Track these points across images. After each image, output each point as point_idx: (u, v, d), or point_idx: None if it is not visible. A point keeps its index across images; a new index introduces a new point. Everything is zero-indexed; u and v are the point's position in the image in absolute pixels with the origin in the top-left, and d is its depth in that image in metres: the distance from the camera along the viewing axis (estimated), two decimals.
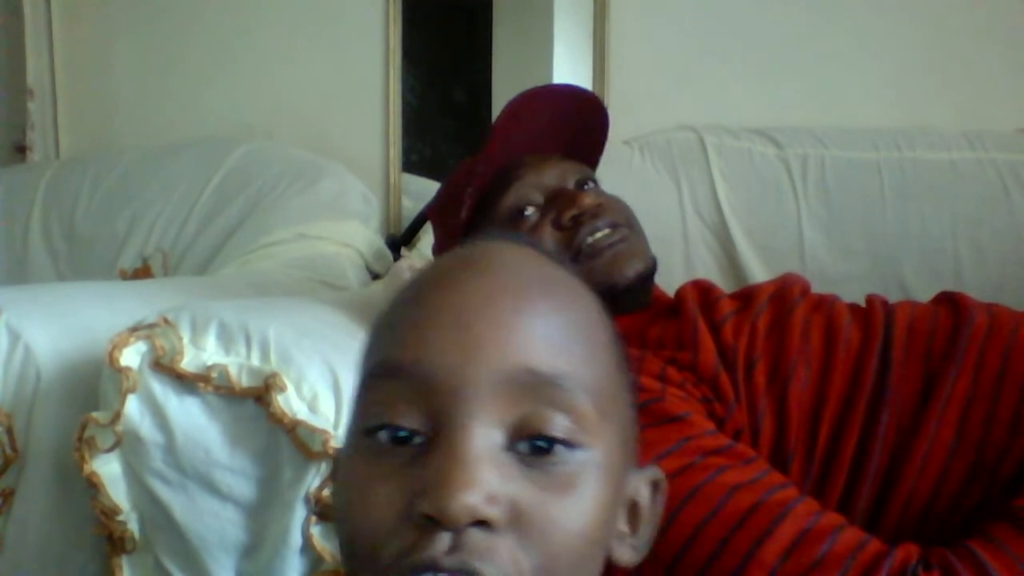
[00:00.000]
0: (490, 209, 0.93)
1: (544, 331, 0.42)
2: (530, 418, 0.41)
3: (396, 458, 0.41)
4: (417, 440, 0.41)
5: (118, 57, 1.87)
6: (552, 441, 0.41)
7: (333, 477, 0.48)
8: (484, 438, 0.40)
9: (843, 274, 1.26)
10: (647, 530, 0.49)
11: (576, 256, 0.89)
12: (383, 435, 0.41)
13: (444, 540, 0.38)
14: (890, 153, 1.29)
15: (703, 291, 0.91)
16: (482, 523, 0.39)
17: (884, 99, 1.46)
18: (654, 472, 0.50)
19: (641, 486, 0.49)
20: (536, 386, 0.41)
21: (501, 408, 0.40)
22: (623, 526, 0.47)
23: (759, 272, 1.28)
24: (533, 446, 0.41)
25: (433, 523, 0.38)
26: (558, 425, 0.41)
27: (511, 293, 0.42)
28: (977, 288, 1.16)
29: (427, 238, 1.37)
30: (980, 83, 1.45)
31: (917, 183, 1.27)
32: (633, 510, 0.48)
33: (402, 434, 0.41)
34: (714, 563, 0.67)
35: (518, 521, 0.39)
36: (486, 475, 0.39)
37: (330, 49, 1.71)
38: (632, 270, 0.90)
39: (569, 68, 1.60)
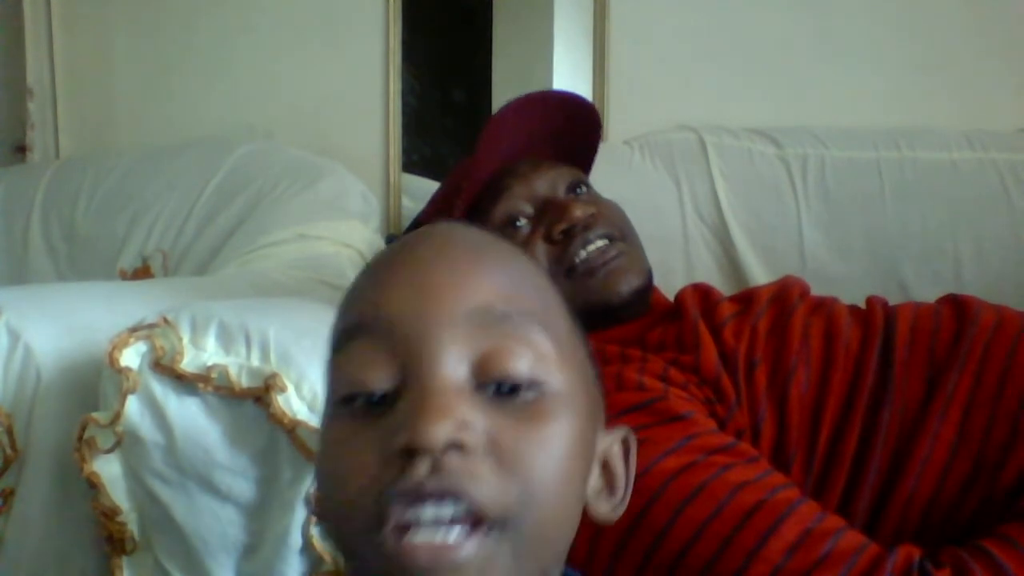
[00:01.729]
0: (482, 219, 0.92)
1: (497, 277, 0.44)
2: (494, 352, 0.42)
3: (370, 416, 0.42)
4: (391, 398, 0.42)
5: (118, 57, 1.87)
6: (517, 385, 0.42)
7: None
8: (451, 373, 0.41)
9: (843, 274, 1.26)
10: (622, 488, 0.50)
11: (570, 272, 0.89)
12: (358, 401, 0.42)
13: (424, 465, 0.39)
14: (890, 153, 1.29)
15: (703, 294, 0.91)
16: (457, 448, 0.39)
17: (884, 99, 1.46)
18: (623, 431, 0.51)
19: (612, 445, 0.50)
20: (495, 322, 0.42)
21: (464, 345, 0.42)
22: (599, 483, 0.49)
23: (759, 272, 1.28)
24: (500, 388, 0.42)
25: (411, 455, 0.39)
26: (521, 362, 0.42)
27: (463, 248, 0.45)
28: (977, 288, 1.16)
29: None
30: (980, 83, 1.45)
31: (917, 183, 1.27)
32: (607, 470, 0.49)
33: (375, 398, 0.42)
34: (718, 560, 0.67)
35: (495, 449, 0.40)
36: (456, 404, 0.40)
37: (330, 49, 1.71)
38: (627, 287, 0.89)
39: (569, 68, 1.60)
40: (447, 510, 0.39)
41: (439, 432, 0.39)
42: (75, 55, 1.90)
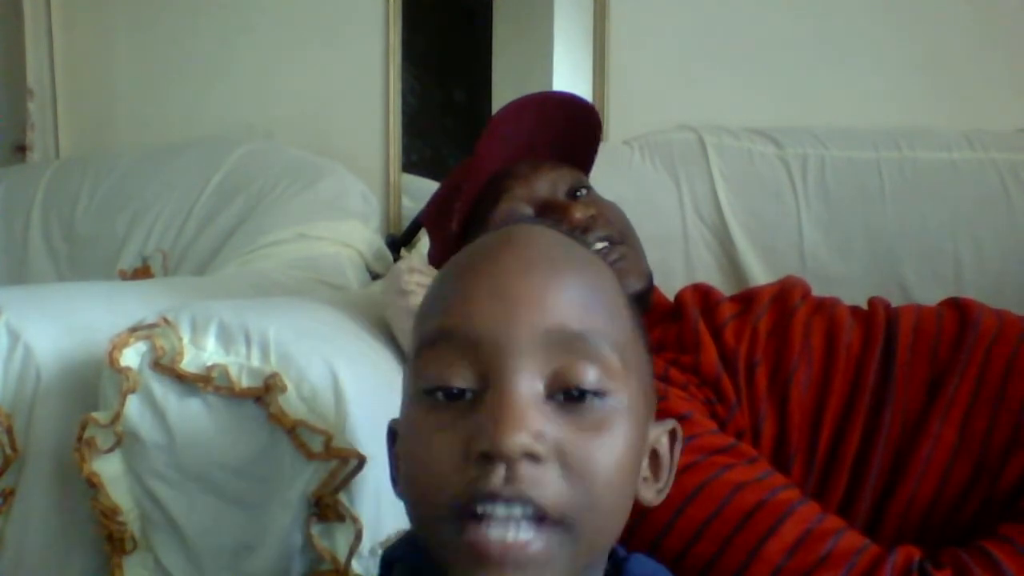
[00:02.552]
0: (482, 221, 0.91)
1: (572, 295, 0.48)
2: (565, 369, 0.46)
3: (451, 411, 0.47)
4: (468, 396, 0.47)
5: (118, 57, 1.87)
6: (584, 392, 0.47)
7: (391, 441, 0.55)
8: (528, 387, 0.46)
9: (843, 274, 1.26)
10: (666, 475, 0.54)
11: None
12: (439, 394, 0.47)
13: (500, 473, 0.44)
14: (890, 153, 1.29)
15: (703, 295, 0.91)
16: (530, 457, 0.44)
17: (884, 99, 1.46)
18: (671, 423, 0.55)
19: (661, 436, 0.54)
20: (569, 341, 0.47)
21: (540, 361, 0.46)
22: (646, 471, 0.53)
23: (759, 272, 1.28)
24: (569, 395, 0.47)
25: (489, 459, 0.44)
26: (589, 375, 0.47)
27: (543, 264, 0.49)
28: (977, 288, 1.16)
29: (426, 239, 1.37)
30: (980, 83, 1.45)
31: (917, 183, 1.27)
32: (654, 458, 0.54)
33: (455, 391, 0.47)
34: (718, 560, 0.67)
35: (561, 456, 0.45)
36: (532, 417, 0.45)
37: (330, 49, 1.71)
38: (628, 290, 0.88)
39: (569, 68, 1.60)
40: (517, 510, 0.44)
41: (515, 443, 0.44)
42: (75, 55, 1.90)
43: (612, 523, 0.49)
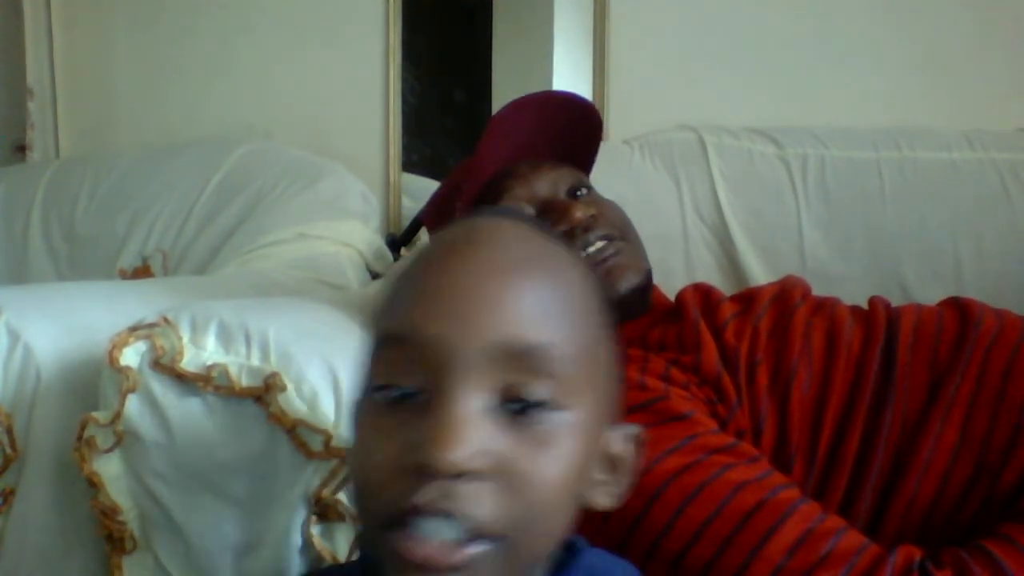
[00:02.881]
0: None
1: (530, 305, 0.46)
2: (516, 383, 0.45)
3: (398, 414, 0.46)
4: (419, 398, 0.45)
5: (118, 57, 1.87)
6: (534, 406, 0.45)
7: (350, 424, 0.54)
8: (472, 401, 0.44)
9: (843, 274, 1.26)
10: (624, 478, 0.52)
11: None
12: (389, 393, 0.46)
13: (434, 488, 0.43)
14: (890, 153, 1.29)
15: (704, 294, 0.91)
16: (467, 474, 0.43)
17: (884, 99, 1.46)
18: (632, 429, 0.53)
19: (619, 441, 0.52)
20: (521, 355, 0.45)
21: (489, 374, 0.45)
22: (600, 475, 0.51)
23: (759, 272, 1.28)
24: (518, 408, 0.45)
25: (424, 473, 0.43)
26: (540, 390, 0.45)
27: (501, 270, 0.46)
28: (977, 288, 1.16)
29: (427, 238, 1.37)
30: (980, 83, 1.45)
31: (917, 183, 1.27)
32: (611, 463, 0.52)
33: (405, 392, 0.46)
34: (719, 559, 0.67)
35: (501, 472, 0.44)
36: (472, 434, 0.43)
37: (330, 49, 1.71)
38: (626, 284, 0.89)
39: (569, 68, 1.60)
40: (449, 524, 0.43)
41: (450, 462, 0.42)
42: (75, 55, 1.90)
43: (551, 533, 0.47)
